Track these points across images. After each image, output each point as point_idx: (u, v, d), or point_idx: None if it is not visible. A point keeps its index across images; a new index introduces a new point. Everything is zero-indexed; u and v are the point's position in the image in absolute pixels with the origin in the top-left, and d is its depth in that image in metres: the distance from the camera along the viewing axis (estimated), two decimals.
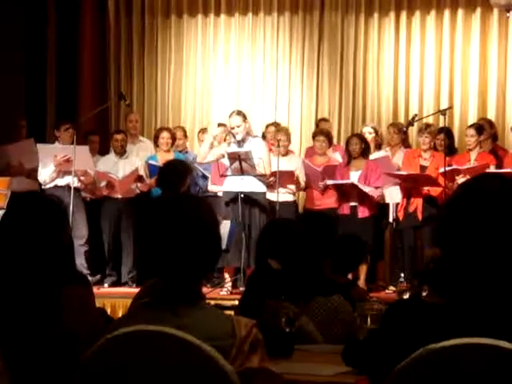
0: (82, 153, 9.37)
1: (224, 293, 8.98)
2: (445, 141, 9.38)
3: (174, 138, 10.23)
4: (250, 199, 9.13)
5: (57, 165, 9.42)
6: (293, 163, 9.75)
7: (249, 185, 9.11)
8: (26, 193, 3.51)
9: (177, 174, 8.37)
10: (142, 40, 12.27)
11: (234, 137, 9.19)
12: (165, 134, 10.17)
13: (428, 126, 9.66)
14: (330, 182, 9.56)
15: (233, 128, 9.16)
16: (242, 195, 9.06)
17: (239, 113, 9.33)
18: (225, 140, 9.55)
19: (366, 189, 9.41)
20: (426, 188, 9.21)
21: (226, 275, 9.24)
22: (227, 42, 12.09)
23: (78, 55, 12.05)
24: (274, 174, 9.38)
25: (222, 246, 2.43)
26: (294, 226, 4.58)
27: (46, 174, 9.54)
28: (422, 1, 11.55)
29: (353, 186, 9.42)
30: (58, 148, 9.61)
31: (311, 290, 4.43)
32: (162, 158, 9.76)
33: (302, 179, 9.74)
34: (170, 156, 9.78)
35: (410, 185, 9.28)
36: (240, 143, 9.17)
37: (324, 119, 11.07)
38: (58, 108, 11.77)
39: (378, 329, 2.06)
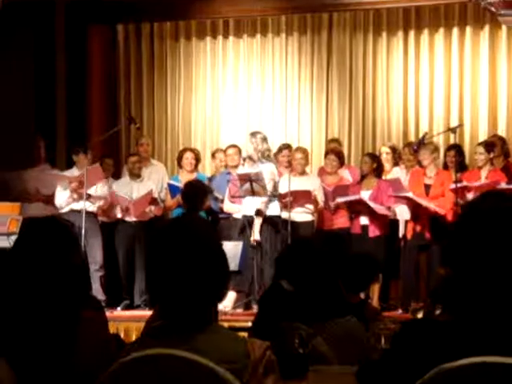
0: (93, 171, 9.48)
1: (221, 307, 8.95)
2: (456, 157, 9.37)
3: (197, 159, 10.28)
4: (266, 221, 9.16)
5: (72, 190, 9.48)
6: (311, 183, 9.70)
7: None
8: (37, 218, 3.52)
9: (197, 194, 8.51)
10: (151, 63, 12.32)
11: (251, 158, 9.25)
12: (188, 155, 10.22)
13: (425, 144, 9.64)
14: (339, 199, 9.55)
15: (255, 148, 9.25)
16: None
17: (253, 134, 9.50)
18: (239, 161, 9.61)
19: (372, 204, 9.40)
20: (432, 207, 9.19)
21: (232, 294, 9.18)
22: (236, 64, 12.13)
23: (88, 79, 12.10)
24: (290, 194, 9.37)
25: (229, 267, 2.42)
26: (314, 246, 4.57)
27: (62, 199, 9.60)
28: (430, 19, 11.56)
29: (360, 201, 9.41)
30: (71, 173, 9.66)
31: (325, 310, 4.41)
32: (184, 178, 9.81)
33: (321, 199, 9.68)
34: (193, 177, 9.84)
35: (415, 204, 9.27)
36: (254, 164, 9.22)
37: (334, 140, 11.06)
38: (69, 132, 11.81)
39: (390, 349, 2.04)
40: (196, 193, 8.45)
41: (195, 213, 8.38)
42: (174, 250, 2.32)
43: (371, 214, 9.45)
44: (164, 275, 2.32)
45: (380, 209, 9.45)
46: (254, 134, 9.51)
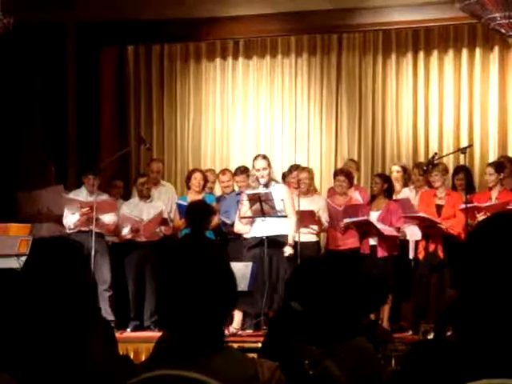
0: (107, 203, 9.54)
1: (233, 330, 8.92)
2: (465, 179, 9.38)
3: (205, 180, 10.30)
4: (274, 242, 9.15)
5: (82, 215, 9.50)
6: (315, 203, 9.71)
7: (273, 228, 9.14)
8: (47, 238, 3.53)
9: (200, 215, 8.56)
10: (161, 85, 12.37)
11: (259, 181, 9.24)
12: (197, 175, 10.25)
13: (435, 164, 9.64)
14: (346, 220, 9.53)
15: (258, 170, 9.23)
16: (267, 239, 9.08)
17: (265, 157, 9.49)
18: (247, 185, 9.59)
19: (379, 225, 9.38)
20: (444, 227, 9.17)
21: (238, 315, 9.16)
22: (246, 85, 12.17)
23: (99, 100, 12.16)
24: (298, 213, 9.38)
25: (236, 288, 2.41)
26: (324, 266, 4.55)
27: (71, 221, 9.63)
28: (439, 40, 11.58)
29: (367, 222, 9.40)
30: (79, 193, 9.68)
31: (335, 331, 4.39)
32: (192, 198, 9.87)
33: (325, 219, 9.67)
34: (200, 197, 9.88)
35: (427, 225, 9.24)
36: (264, 187, 9.22)
37: (351, 160, 11.05)
38: (79, 154, 11.85)
39: (401, 370, 2.03)
40: (199, 214, 8.53)
41: (200, 233, 8.41)
42: (181, 271, 2.31)
43: (379, 234, 9.44)
44: (172, 297, 2.31)
45: (387, 230, 9.43)
46: (266, 158, 9.53)
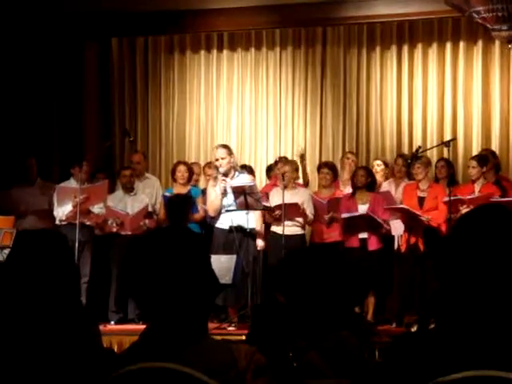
0: (100, 189, 9.54)
1: (232, 328, 8.95)
2: (445, 168, 9.46)
3: (190, 172, 10.29)
4: (245, 236, 9.16)
5: (75, 205, 9.45)
6: (300, 196, 9.71)
7: (240, 219, 9.14)
8: (31, 231, 3.52)
9: (178, 207, 8.66)
10: (145, 77, 12.35)
11: (217, 169, 9.23)
12: (181, 168, 10.23)
13: (419, 157, 9.68)
14: (344, 215, 9.51)
15: (217, 160, 9.22)
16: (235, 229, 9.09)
17: (224, 146, 9.50)
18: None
19: (380, 219, 9.42)
20: (425, 219, 9.20)
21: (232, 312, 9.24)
22: (230, 78, 12.16)
23: (83, 93, 12.12)
24: (279, 207, 9.39)
25: (217, 279, 2.40)
26: (308, 258, 4.55)
27: (63, 212, 9.60)
28: (423, 33, 11.61)
29: (368, 217, 9.38)
30: (76, 188, 9.63)
31: (319, 324, 4.40)
32: (177, 191, 9.88)
33: (310, 212, 9.68)
34: (185, 190, 9.91)
35: (409, 217, 9.28)
36: (223, 176, 9.19)
37: (351, 152, 11.04)
38: (63, 148, 11.81)
39: (382, 362, 2.04)
40: (176, 206, 8.62)
41: (180, 226, 8.46)
42: (156, 262, 2.30)
43: (369, 228, 9.44)
44: (148, 289, 2.30)
45: (383, 223, 9.47)
46: (227, 147, 9.52)
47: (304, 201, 9.65)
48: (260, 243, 9.32)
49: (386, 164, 10.49)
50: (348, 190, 9.99)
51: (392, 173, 10.45)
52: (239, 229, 9.12)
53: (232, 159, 9.27)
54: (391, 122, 11.71)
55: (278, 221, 9.45)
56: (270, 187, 10.25)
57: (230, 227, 9.11)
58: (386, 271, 9.42)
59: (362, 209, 9.53)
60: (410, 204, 9.28)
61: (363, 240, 9.48)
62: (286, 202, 9.37)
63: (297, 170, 10.24)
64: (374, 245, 9.46)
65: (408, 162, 9.99)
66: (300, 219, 9.65)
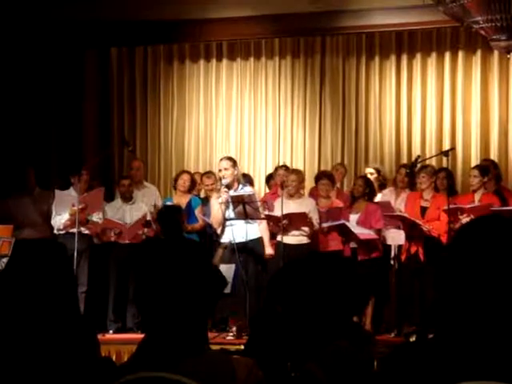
0: (95, 197, 9.52)
1: (231, 338, 8.94)
2: (447, 179, 9.43)
3: (193, 182, 10.33)
4: (245, 248, 9.12)
5: (72, 214, 9.43)
6: (305, 205, 9.64)
7: (243, 233, 9.11)
8: (29, 240, 3.52)
9: (169, 217, 8.74)
10: (144, 86, 12.36)
11: (221, 180, 9.22)
12: (184, 176, 10.32)
13: (424, 166, 9.68)
14: (324, 224, 9.51)
15: (220, 171, 9.21)
16: (236, 244, 9.05)
17: (229, 158, 9.45)
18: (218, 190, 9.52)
19: (357, 229, 9.37)
20: (426, 229, 9.18)
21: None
22: (229, 87, 12.17)
23: (82, 102, 12.13)
24: (285, 216, 9.31)
25: (217, 291, 2.40)
26: (306, 268, 4.54)
27: (60, 221, 9.60)
28: (422, 43, 11.63)
29: (343, 226, 9.38)
30: (74, 197, 9.61)
31: (317, 334, 4.40)
32: (177, 199, 9.92)
33: (316, 221, 9.62)
34: (185, 199, 9.95)
35: (409, 226, 9.26)
36: (226, 188, 9.15)
37: (341, 164, 11.08)
38: (62, 157, 11.81)
39: (380, 372, 2.04)
40: (167, 217, 8.69)
41: (177, 235, 8.51)
42: (160, 273, 2.30)
43: (356, 238, 9.41)
44: (151, 299, 2.30)
45: (364, 234, 9.40)
46: (231, 159, 9.50)
47: (310, 210, 9.59)
48: (268, 251, 9.27)
49: (378, 171, 10.48)
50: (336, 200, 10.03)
51: (385, 179, 10.48)
52: (240, 246, 9.09)
53: (236, 171, 9.25)
54: (390, 131, 11.71)
55: (285, 231, 9.40)
56: (269, 196, 10.24)
57: (230, 242, 9.07)
58: (379, 280, 9.37)
59: (354, 218, 9.51)
60: (412, 213, 9.27)
61: (354, 249, 9.47)
62: (292, 211, 9.33)
63: (303, 180, 10.19)
64: (362, 254, 9.42)
65: (407, 172, 9.98)
66: (306, 228, 9.58)
